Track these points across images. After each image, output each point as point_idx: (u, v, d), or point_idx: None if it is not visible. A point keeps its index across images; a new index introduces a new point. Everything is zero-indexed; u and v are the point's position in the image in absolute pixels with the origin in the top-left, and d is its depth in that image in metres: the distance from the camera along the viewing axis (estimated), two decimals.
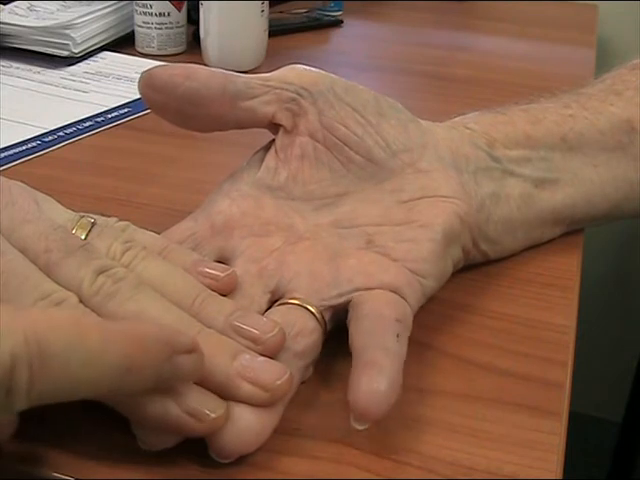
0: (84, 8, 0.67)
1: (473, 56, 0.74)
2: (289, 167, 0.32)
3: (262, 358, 0.25)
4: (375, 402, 0.25)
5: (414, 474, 0.25)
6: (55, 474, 0.24)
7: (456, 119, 0.38)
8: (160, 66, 0.31)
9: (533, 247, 0.38)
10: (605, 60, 0.91)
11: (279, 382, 0.25)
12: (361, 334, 0.28)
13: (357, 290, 0.29)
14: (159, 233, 0.31)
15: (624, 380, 1.11)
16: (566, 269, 0.37)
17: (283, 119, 0.33)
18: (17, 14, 0.66)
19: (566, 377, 0.30)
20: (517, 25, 0.86)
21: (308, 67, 0.34)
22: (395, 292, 0.29)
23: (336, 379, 0.29)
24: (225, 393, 0.25)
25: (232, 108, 0.32)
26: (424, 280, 0.31)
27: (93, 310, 0.26)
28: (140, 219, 0.40)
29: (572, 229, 0.39)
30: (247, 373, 0.25)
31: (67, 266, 0.26)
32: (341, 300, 0.29)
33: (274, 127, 0.33)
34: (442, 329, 0.32)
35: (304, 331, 0.28)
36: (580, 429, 0.98)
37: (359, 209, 0.32)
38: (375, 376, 0.25)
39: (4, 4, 0.67)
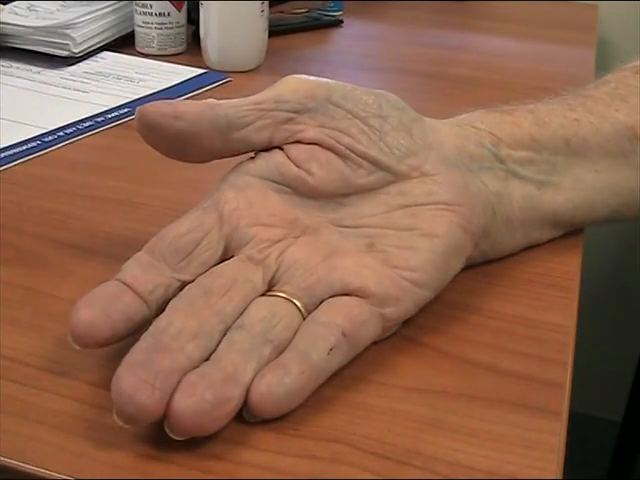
0: (84, 8, 0.67)
1: (473, 56, 0.74)
2: (298, 166, 0.32)
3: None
4: (268, 404, 0.26)
5: (414, 474, 0.25)
6: (55, 474, 0.24)
7: (462, 117, 0.37)
8: (152, 104, 0.31)
9: (533, 247, 0.38)
10: (605, 60, 0.91)
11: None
12: (300, 334, 0.28)
13: (344, 290, 0.29)
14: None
15: (624, 380, 1.11)
16: (566, 269, 0.37)
17: (282, 140, 0.32)
18: (17, 14, 0.66)
19: (566, 377, 0.30)
20: (517, 25, 0.86)
21: (304, 77, 0.33)
22: (380, 303, 0.29)
23: (336, 379, 0.29)
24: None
25: (225, 141, 0.32)
26: (419, 290, 0.31)
27: None
28: (140, 219, 0.40)
29: (571, 230, 0.39)
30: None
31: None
32: (329, 298, 0.29)
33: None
34: (442, 329, 0.32)
35: (290, 326, 0.28)
36: (580, 429, 0.97)
37: (364, 210, 0.32)
38: (278, 378, 0.26)
39: (4, 4, 0.67)
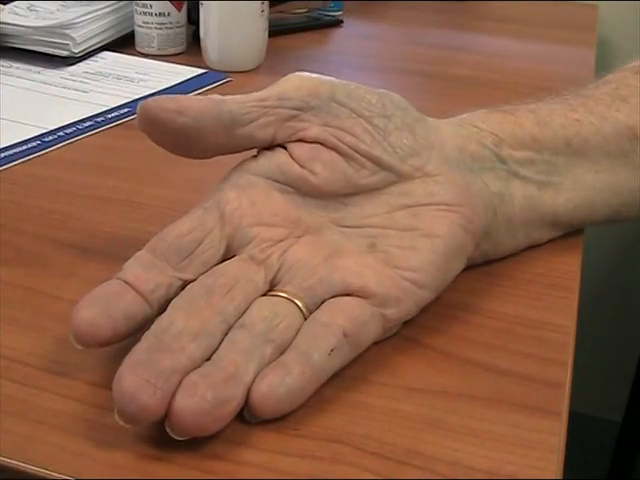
0: (84, 8, 0.67)
1: (473, 56, 0.74)
2: (301, 165, 0.32)
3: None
4: (269, 404, 0.26)
5: (414, 474, 0.25)
6: (55, 474, 0.24)
7: (463, 116, 0.37)
8: (154, 99, 0.31)
9: (534, 247, 0.38)
10: (605, 60, 0.91)
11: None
12: (301, 334, 0.28)
13: (345, 291, 0.29)
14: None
15: (624, 380, 1.11)
16: (567, 269, 0.37)
17: (286, 137, 0.32)
18: (17, 14, 0.66)
19: (566, 377, 0.30)
20: (517, 25, 0.86)
21: (307, 74, 0.33)
22: (381, 303, 0.30)
23: (337, 379, 0.29)
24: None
25: (228, 137, 0.32)
26: (420, 290, 0.31)
27: None
28: (140, 219, 0.40)
29: (571, 230, 0.39)
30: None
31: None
32: (330, 298, 0.29)
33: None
34: (443, 329, 0.32)
35: (291, 326, 0.28)
36: (580, 429, 0.97)
37: (366, 210, 0.32)
38: (279, 378, 0.26)
39: (4, 4, 0.67)
